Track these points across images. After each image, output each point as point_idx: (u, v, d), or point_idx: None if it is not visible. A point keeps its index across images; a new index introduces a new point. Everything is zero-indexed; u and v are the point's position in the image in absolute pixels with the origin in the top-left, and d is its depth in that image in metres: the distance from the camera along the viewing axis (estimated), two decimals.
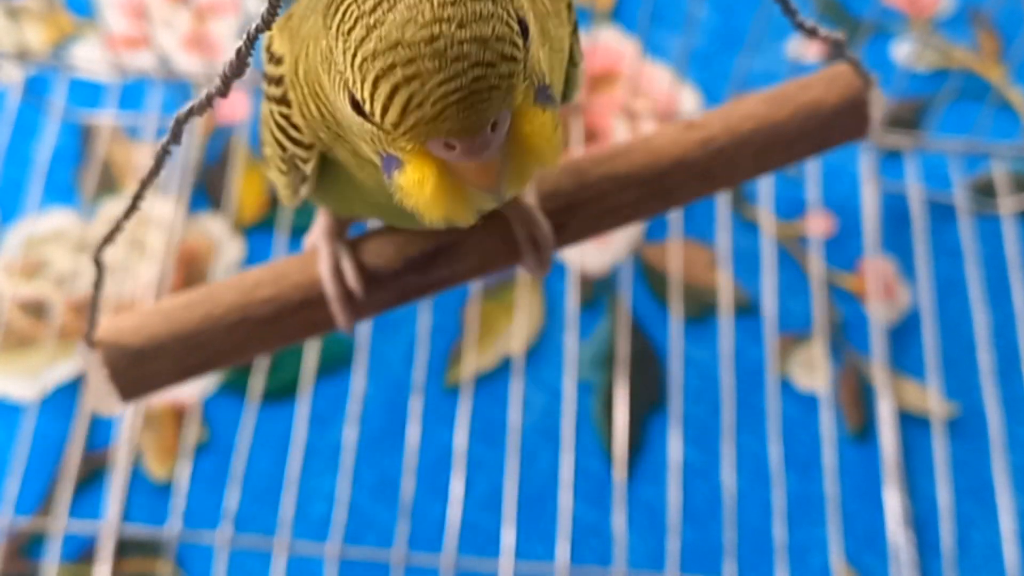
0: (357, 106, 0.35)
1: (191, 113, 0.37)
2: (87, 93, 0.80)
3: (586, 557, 0.66)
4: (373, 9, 0.33)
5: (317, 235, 0.52)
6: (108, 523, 0.65)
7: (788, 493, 0.68)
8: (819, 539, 0.67)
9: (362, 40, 0.33)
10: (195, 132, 0.79)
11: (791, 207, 0.77)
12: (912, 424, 0.70)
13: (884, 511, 0.67)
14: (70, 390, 0.69)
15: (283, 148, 0.44)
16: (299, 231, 0.74)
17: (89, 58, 0.81)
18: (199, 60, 0.81)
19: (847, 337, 0.73)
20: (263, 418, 0.69)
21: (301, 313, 0.51)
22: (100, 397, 0.51)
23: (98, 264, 0.46)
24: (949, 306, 0.74)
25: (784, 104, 0.55)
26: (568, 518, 0.66)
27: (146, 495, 0.66)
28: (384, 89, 0.33)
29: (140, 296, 0.72)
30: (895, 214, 0.77)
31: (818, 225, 0.76)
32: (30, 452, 0.67)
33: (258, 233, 0.75)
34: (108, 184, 0.77)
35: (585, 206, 0.53)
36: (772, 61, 0.84)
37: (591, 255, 0.75)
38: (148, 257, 0.74)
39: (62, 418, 0.68)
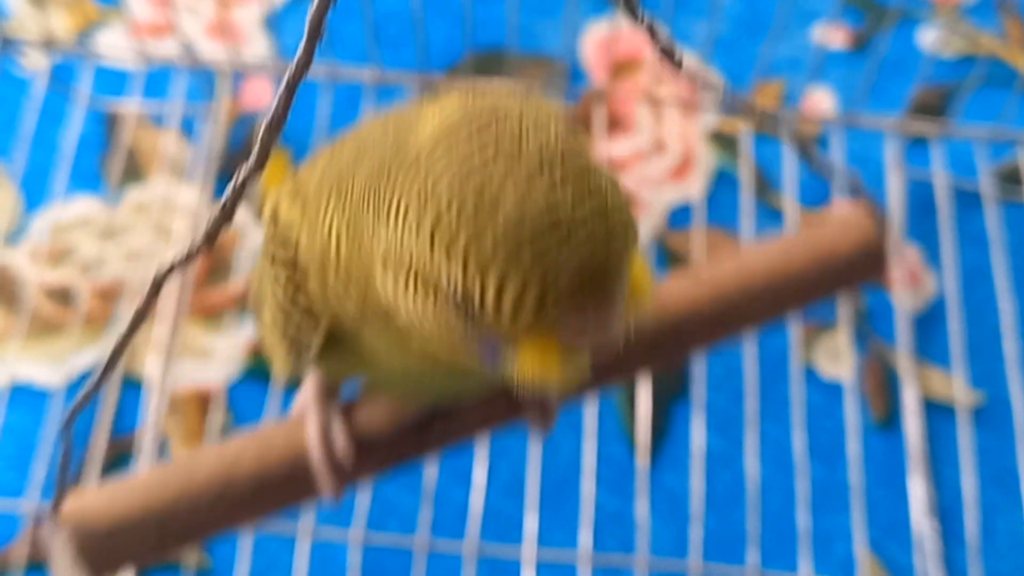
0: (467, 309, 0.32)
1: (172, 269, 0.35)
2: (112, 81, 0.81)
3: (608, 544, 0.66)
4: (475, 207, 0.30)
5: (307, 398, 0.49)
6: None
7: (812, 481, 0.67)
8: (843, 527, 0.66)
9: (474, 241, 0.30)
10: (219, 120, 0.79)
11: (816, 195, 0.76)
12: (937, 412, 0.70)
13: (908, 500, 0.67)
14: None
15: (288, 316, 0.41)
16: None
17: (114, 45, 0.81)
18: (223, 47, 0.81)
19: (872, 325, 0.72)
20: (287, 404, 0.69)
21: (286, 485, 0.48)
22: (66, 575, 0.47)
23: (68, 434, 0.43)
24: (974, 294, 0.73)
25: (798, 252, 0.53)
26: (591, 505, 0.66)
27: None
28: (513, 288, 0.30)
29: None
30: (920, 201, 0.76)
31: (843, 212, 0.76)
32: (56, 438, 0.68)
33: None
34: (133, 171, 0.77)
35: (594, 361, 0.49)
36: (797, 47, 0.83)
37: None
38: (173, 243, 0.74)
39: (88, 403, 0.69)
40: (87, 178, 0.77)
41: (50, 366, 0.70)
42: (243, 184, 0.32)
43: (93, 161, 0.78)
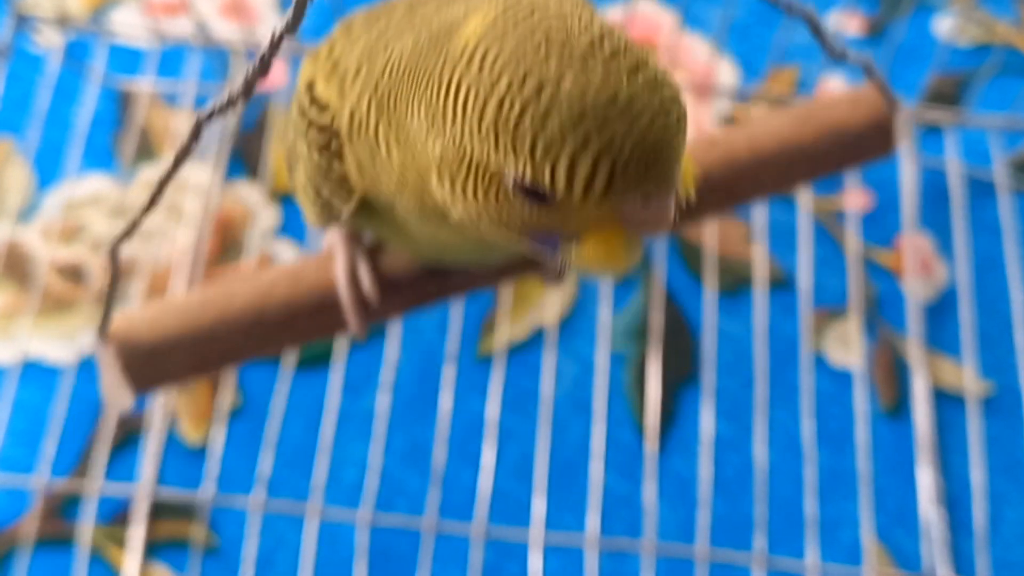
0: (535, 194, 0.33)
1: (212, 114, 0.36)
2: (126, 59, 0.81)
3: (616, 528, 0.66)
4: (539, 90, 0.31)
5: (335, 237, 0.51)
6: (143, 486, 0.66)
7: (820, 468, 0.67)
8: (850, 515, 0.66)
9: (541, 126, 0.31)
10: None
11: (828, 182, 0.76)
12: (946, 402, 0.70)
13: (916, 488, 0.67)
14: None
15: (321, 184, 0.43)
16: None
17: (128, 24, 0.81)
18: (237, 27, 0.81)
19: (882, 313, 0.72)
20: (297, 385, 0.69)
21: (315, 316, 0.51)
22: (113, 390, 0.51)
23: (114, 258, 0.45)
24: (986, 284, 0.73)
25: (809, 124, 0.54)
26: (599, 489, 0.66)
27: (180, 459, 0.67)
28: (585, 164, 0.31)
29: (176, 261, 0.72)
30: (933, 190, 0.76)
31: (855, 200, 0.76)
32: (67, 415, 0.68)
33: (293, 201, 0.75)
34: (146, 150, 0.77)
35: None
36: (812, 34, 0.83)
37: None
38: (185, 222, 0.74)
39: (99, 381, 0.69)
40: (100, 156, 0.77)
41: (61, 343, 0.70)
42: (280, 39, 0.33)
43: (106, 139, 0.78)
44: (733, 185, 0.53)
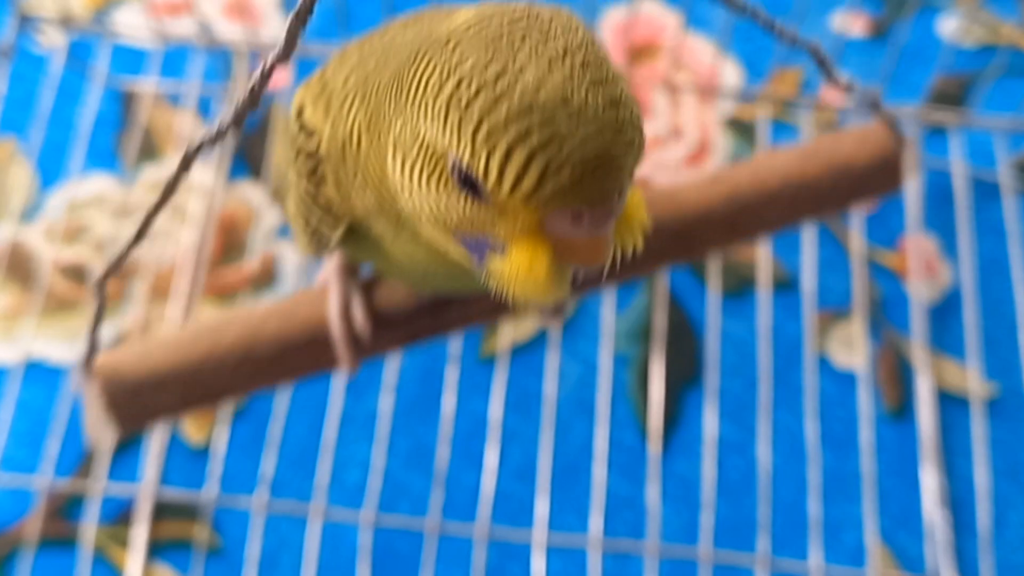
0: (470, 183, 0.33)
1: (201, 146, 0.36)
2: (129, 59, 0.81)
3: (619, 529, 0.66)
4: (498, 77, 0.31)
5: (329, 272, 0.51)
6: (146, 486, 0.66)
7: (824, 470, 0.67)
8: (854, 516, 0.66)
9: (489, 110, 0.31)
10: (236, 100, 0.79)
11: None
12: (950, 404, 0.69)
13: (920, 490, 0.67)
14: None
15: (310, 211, 0.43)
16: None
17: (131, 24, 0.81)
18: (240, 27, 0.81)
19: (886, 315, 0.72)
20: (300, 385, 0.69)
21: (306, 352, 0.50)
22: (96, 425, 0.49)
23: (100, 291, 0.44)
24: (991, 286, 0.73)
25: (814, 160, 0.53)
26: (602, 490, 0.66)
27: (184, 459, 0.67)
28: (519, 157, 0.31)
29: (179, 261, 0.72)
30: (938, 191, 0.76)
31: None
32: (70, 415, 0.68)
33: None
34: (149, 151, 0.77)
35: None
36: (816, 35, 0.83)
37: None
38: (188, 223, 0.74)
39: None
40: (103, 156, 0.77)
41: (64, 343, 0.70)
42: (271, 70, 0.33)
43: (109, 139, 0.78)
44: (736, 221, 0.52)
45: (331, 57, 0.43)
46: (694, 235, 0.52)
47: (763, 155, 0.54)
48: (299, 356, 0.50)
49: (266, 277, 0.72)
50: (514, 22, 0.33)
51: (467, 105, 0.31)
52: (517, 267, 0.34)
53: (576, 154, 0.31)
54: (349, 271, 0.50)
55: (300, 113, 0.42)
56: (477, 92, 0.31)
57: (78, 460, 0.67)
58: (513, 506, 0.66)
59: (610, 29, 0.83)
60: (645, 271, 0.53)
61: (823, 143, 0.55)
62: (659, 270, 0.53)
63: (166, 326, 0.70)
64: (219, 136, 0.35)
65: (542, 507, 0.66)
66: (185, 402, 0.50)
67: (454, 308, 0.49)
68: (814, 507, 0.66)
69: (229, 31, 0.81)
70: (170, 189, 0.37)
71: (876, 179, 0.54)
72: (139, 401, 0.49)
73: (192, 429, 0.68)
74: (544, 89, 0.31)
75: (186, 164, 0.37)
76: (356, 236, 0.43)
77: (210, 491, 0.66)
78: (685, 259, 0.54)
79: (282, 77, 0.80)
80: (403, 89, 0.34)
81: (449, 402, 0.68)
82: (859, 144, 0.54)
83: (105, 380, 0.48)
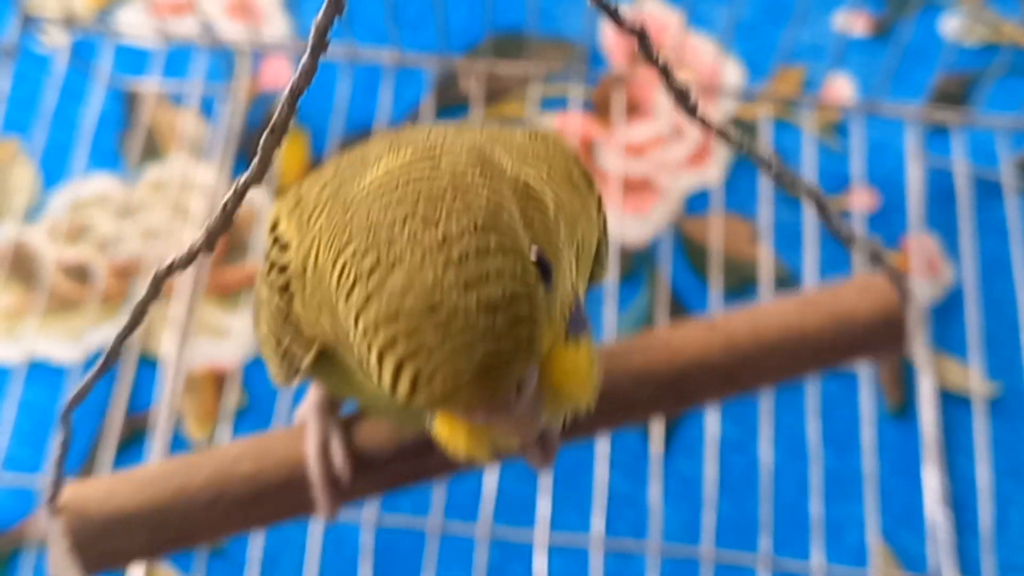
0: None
1: (171, 269, 0.35)
2: (132, 59, 0.81)
3: (621, 529, 0.66)
4: (371, 271, 0.29)
5: (308, 409, 0.48)
6: None
7: (825, 469, 0.67)
8: (856, 516, 0.66)
9: (363, 307, 0.29)
10: (238, 100, 0.79)
11: (835, 181, 0.76)
12: (952, 403, 0.69)
13: (922, 489, 0.67)
14: None
15: (280, 332, 0.40)
16: None
17: (134, 24, 0.81)
18: (242, 27, 0.81)
19: None
20: (302, 384, 0.69)
21: (282, 494, 0.47)
22: (60, 566, 0.47)
23: (66, 424, 0.43)
24: (993, 285, 0.73)
25: (814, 310, 0.51)
26: (604, 490, 0.66)
27: None
28: (389, 364, 0.29)
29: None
30: (940, 190, 0.76)
31: (862, 200, 0.76)
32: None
33: None
34: (152, 150, 0.77)
35: (598, 400, 0.47)
36: (819, 34, 0.83)
37: (631, 227, 0.75)
38: (191, 222, 0.74)
39: (104, 381, 0.69)
40: (105, 156, 0.77)
41: (67, 343, 0.70)
42: (243, 190, 0.32)
43: (112, 139, 0.78)
44: (733, 371, 0.51)
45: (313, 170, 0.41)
46: (689, 386, 0.50)
47: (762, 305, 0.52)
48: (274, 498, 0.47)
49: None
50: (416, 181, 0.31)
51: (347, 295, 0.30)
52: (445, 432, 0.32)
53: (447, 366, 0.29)
54: (328, 407, 0.48)
55: (275, 226, 0.39)
56: (354, 284, 0.30)
57: (81, 459, 0.67)
58: (515, 505, 0.66)
59: (613, 28, 0.83)
60: (637, 418, 0.51)
61: (823, 293, 0.53)
62: (651, 417, 0.52)
63: (167, 326, 0.70)
64: (191, 258, 0.34)
65: (544, 506, 0.66)
66: (154, 545, 0.47)
67: (438, 452, 0.47)
68: (816, 506, 0.66)
69: (232, 31, 0.81)
70: (139, 315, 0.36)
71: (878, 336, 0.52)
72: (106, 542, 0.46)
73: (194, 427, 0.68)
74: (411, 295, 0.29)
75: (156, 287, 0.35)
76: (328, 364, 0.40)
77: None
78: (677, 408, 0.52)
79: (283, 76, 0.80)
80: (331, 245, 0.32)
81: None
82: (860, 295, 0.51)
83: (71, 518, 0.46)
